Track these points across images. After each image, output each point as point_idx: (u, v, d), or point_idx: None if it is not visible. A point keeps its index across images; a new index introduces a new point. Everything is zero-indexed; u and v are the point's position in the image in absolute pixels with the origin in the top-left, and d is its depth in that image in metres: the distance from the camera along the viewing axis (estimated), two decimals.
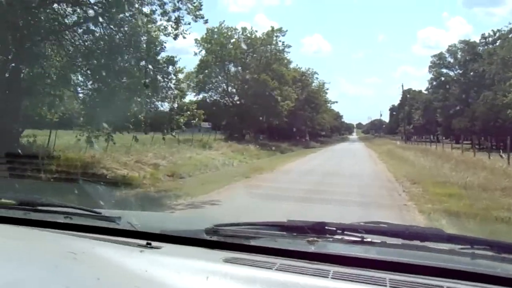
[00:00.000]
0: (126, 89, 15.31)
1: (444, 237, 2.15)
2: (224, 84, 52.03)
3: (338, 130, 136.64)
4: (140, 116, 16.26)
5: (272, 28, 51.81)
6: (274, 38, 51.57)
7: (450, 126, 61.68)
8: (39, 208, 2.54)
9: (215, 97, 52.16)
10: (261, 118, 48.14)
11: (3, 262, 1.67)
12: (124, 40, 15.45)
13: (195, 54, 48.75)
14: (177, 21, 16.86)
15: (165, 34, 16.98)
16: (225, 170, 22.48)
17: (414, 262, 1.83)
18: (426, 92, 79.91)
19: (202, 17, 17.71)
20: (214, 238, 2.13)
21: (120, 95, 15.10)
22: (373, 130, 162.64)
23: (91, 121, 15.63)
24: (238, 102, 51.50)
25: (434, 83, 73.42)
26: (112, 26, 15.39)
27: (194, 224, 2.51)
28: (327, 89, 77.39)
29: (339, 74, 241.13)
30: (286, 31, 52.19)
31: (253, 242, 2.10)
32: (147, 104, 16.61)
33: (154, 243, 2.04)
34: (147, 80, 15.60)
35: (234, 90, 52.73)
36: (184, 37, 17.40)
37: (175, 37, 17.03)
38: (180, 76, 18.16)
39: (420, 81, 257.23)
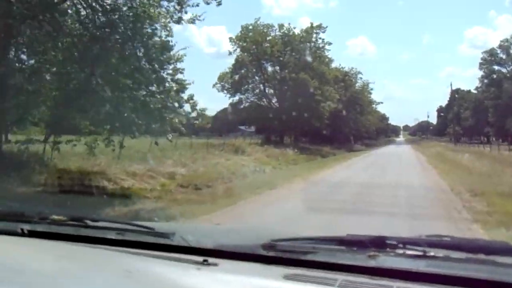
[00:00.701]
0: (103, 81, 12.25)
1: (511, 250, 2.00)
2: (261, 85, 49.89)
3: (384, 133, 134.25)
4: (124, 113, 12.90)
5: (311, 24, 49.38)
6: (314, 35, 49.17)
7: (504, 126, 58.57)
8: (90, 224, 2.49)
9: (251, 99, 50.02)
10: (301, 120, 45.30)
11: (63, 281, 1.68)
12: (102, 19, 12.72)
13: (230, 53, 47.33)
14: (180, 1, 14.08)
15: (167, 17, 14.24)
16: (253, 179, 20.06)
17: (479, 276, 1.71)
18: (475, 91, 77.27)
19: None
20: (272, 253, 2.00)
21: (89, 88, 12.30)
22: (420, 132, 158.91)
23: (56, 122, 13.11)
24: (276, 104, 48.93)
25: (485, 81, 70.60)
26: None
27: (249, 238, 2.47)
28: (372, 89, 74.60)
29: (385, 76, 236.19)
30: (326, 27, 49.61)
31: (312, 257, 1.97)
32: (126, 101, 12.95)
33: (210, 260, 1.96)
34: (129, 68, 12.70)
35: (271, 91, 50.39)
36: (193, 23, 14.94)
37: (179, 20, 14.41)
38: (179, 65, 15.10)
39: (468, 82, 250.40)
